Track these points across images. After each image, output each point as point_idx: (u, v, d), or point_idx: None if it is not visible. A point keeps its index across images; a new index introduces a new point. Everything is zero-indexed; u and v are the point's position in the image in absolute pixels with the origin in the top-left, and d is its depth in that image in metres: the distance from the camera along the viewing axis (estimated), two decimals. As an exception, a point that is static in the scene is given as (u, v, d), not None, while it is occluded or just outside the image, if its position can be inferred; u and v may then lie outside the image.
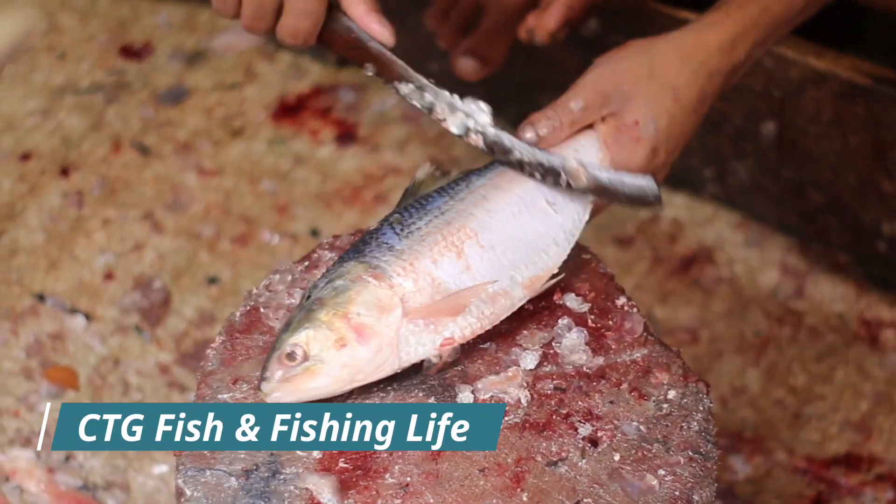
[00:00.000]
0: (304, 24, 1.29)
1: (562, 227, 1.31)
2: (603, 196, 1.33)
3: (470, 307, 1.24)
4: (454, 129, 1.32)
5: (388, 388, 1.24)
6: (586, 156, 1.34)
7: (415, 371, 1.25)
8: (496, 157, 1.32)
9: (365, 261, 1.24)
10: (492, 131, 1.31)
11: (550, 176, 1.31)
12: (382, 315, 1.21)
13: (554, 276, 1.29)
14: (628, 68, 1.36)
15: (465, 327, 1.24)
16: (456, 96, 1.32)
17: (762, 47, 1.42)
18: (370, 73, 1.32)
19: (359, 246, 1.26)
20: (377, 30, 1.31)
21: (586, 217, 1.33)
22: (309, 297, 1.24)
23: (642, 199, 1.34)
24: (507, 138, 1.31)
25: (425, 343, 1.23)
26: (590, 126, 1.35)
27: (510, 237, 1.28)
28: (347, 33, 1.31)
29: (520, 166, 1.32)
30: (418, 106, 1.33)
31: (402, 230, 1.27)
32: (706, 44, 1.39)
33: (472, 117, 1.31)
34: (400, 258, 1.24)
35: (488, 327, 1.25)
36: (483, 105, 1.32)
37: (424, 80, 1.33)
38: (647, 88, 1.35)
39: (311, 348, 1.19)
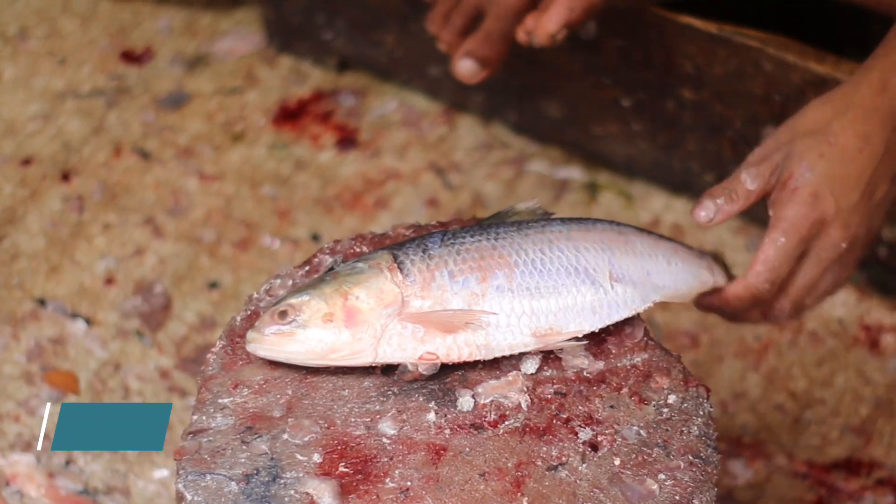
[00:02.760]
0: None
1: (609, 304, 1.28)
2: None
3: (465, 332, 1.23)
4: None
5: (389, 391, 1.24)
6: (689, 277, 1.35)
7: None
8: None
9: (394, 252, 1.25)
10: None
11: None
12: (378, 306, 1.22)
13: (575, 338, 1.27)
14: (785, 132, 1.39)
15: (451, 348, 1.23)
16: None
17: None
18: None
19: (405, 241, 1.28)
20: None
21: (644, 307, 1.30)
22: (332, 268, 1.26)
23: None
24: None
25: (406, 348, 1.23)
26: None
27: (545, 287, 1.26)
28: None
29: None
30: None
31: (447, 239, 1.26)
32: (856, 86, 1.39)
33: None
34: (426, 262, 1.24)
35: (479, 358, 1.24)
36: None
37: None
38: (801, 142, 1.36)
39: (301, 313, 1.22)
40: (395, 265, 1.24)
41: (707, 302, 1.38)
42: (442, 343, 1.23)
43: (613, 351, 1.29)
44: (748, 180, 1.37)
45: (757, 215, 2.03)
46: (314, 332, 1.22)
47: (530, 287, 1.26)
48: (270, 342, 1.23)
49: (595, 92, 2.03)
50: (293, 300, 1.23)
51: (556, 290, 1.26)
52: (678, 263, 1.33)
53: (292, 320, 1.22)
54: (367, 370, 1.26)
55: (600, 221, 1.32)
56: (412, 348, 1.23)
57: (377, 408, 1.23)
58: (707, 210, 1.35)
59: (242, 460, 1.20)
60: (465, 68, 1.70)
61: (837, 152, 1.36)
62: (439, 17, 1.78)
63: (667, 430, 1.23)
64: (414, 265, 1.24)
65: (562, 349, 1.27)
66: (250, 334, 1.24)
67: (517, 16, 1.68)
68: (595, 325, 1.27)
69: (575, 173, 2.12)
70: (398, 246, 1.27)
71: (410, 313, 1.23)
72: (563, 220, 1.31)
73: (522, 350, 1.25)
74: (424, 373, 1.23)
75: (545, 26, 1.63)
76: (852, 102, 1.38)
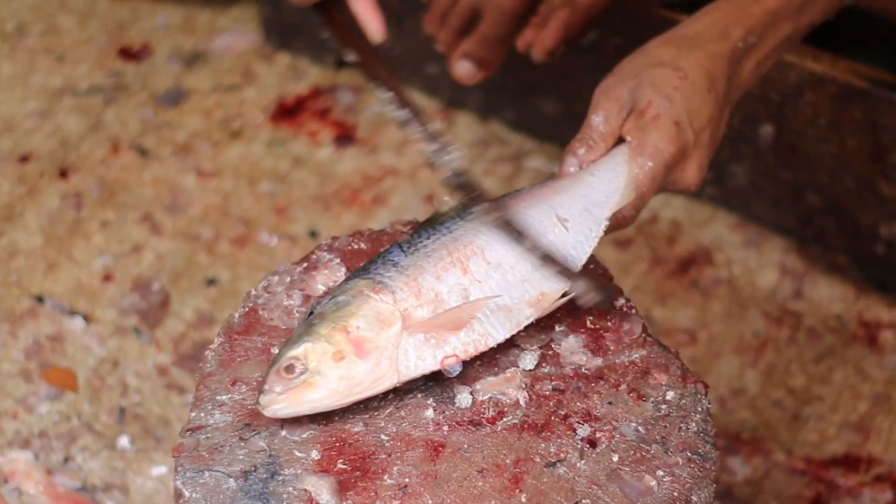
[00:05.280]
0: None
1: (573, 245, 1.29)
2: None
3: (473, 323, 1.23)
4: (428, 153, 1.30)
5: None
6: (615, 177, 1.33)
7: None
8: (462, 196, 1.30)
9: (369, 277, 1.23)
10: (462, 179, 1.29)
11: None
12: (382, 329, 1.21)
13: (564, 294, 1.27)
14: (629, 68, 1.38)
15: (467, 343, 1.23)
16: (437, 124, 1.31)
17: (763, 39, 1.41)
18: (350, 60, 1.31)
19: (367, 265, 1.26)
20: (373, 23, 1.32)
21: (599, 234, 1.31)
22: (312, 312, 1.23)
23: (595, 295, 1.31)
24: (475, 188, 1.30)
25: (426, 357, 1.22)
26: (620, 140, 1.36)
27: (518, 254, 1.27)
28: (346, 13, 1.31)
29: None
30: (391, 115, 1.32)
31: (409, 248, 1.26)
32: (697, 32, 1.39)
33: (447, 154, 1.30)
34: (404, 273, 1.23)
35: (492, 345, 1.24)
36: (456, 152, 1.31)
37: (406, 98, 1.32)
38: (650, 74, 1.35)
39: (309, 361, 1.19)
40: (379, 286, 1.23)
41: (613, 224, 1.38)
42: (457, 342, 1.22)
43: (612, 347, 1.29)
44: (600, 123, 1.36)
45: (756, 213, 2.03)
46: (331, 373, 1.19)
47: (502, 263, 1.26)
48: (289, 399, 1.19)
49: (592, 90, 2.02)
50: (294, 352, 1.20)
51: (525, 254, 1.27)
52: (599, 175, 1.34)
53: (302, 371, 1.19)
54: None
55: (518, 190, 1.33)
56: (431, 356, 1.22)
57: (375, 405, 1.23)
58: (571, 165, 1.35)
59: (241, 457, 1.20)
60: (463, 70, 1.70)
61: (689, 87, 1.35)
62: (436, 18, 1.78)
63: (665, 426, 1.23)
64: (395, 281, 1.23)
65: (560, 344, 1.27)
66: (262, 399, 1.19)
67: (514, 19, 1.69)
68: (576, 269, 1.28)
69: (573, 170, 2.12)
70: (364, 272, 1.25)
71: (417, 324, 1.22)
72: (494, 200, 1.31)
73: (527, 323, 1.25)
74: (451, 373, 1.23)
75: (543, 42, 1.65)
76: (696, 44, 1.38)
